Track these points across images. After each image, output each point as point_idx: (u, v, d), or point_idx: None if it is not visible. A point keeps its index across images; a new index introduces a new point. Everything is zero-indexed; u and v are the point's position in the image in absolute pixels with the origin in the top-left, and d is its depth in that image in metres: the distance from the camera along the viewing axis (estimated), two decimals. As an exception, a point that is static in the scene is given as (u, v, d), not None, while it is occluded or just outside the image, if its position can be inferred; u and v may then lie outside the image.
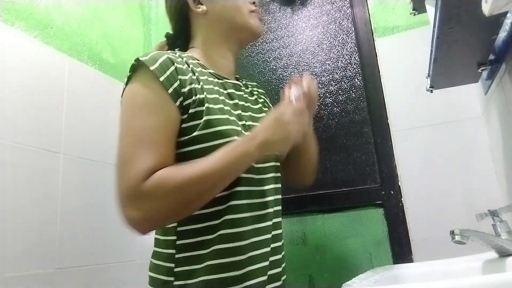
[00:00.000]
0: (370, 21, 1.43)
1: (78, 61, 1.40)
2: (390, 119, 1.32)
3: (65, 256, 1.19)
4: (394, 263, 1.22)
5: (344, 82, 1.46)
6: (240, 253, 0.72)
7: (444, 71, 0.93)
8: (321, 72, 1.51)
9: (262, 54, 1.67)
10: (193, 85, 0.74)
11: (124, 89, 0.75)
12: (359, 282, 0.63)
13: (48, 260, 1.14)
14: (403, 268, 0.84)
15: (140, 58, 0.72)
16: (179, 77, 0.73)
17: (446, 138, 1.22)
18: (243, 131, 0.79)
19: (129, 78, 0.74)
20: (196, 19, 0.88)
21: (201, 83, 0.76)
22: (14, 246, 1.05)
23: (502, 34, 0.76)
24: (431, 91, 1.03)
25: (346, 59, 1.48)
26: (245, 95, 0.90)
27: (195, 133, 0.71)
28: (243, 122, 0.82)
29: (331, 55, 1.51)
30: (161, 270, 0.73)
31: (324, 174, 1.39)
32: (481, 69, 0.91)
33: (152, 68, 0.70)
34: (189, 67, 0.77)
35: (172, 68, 0.72)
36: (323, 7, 1.58)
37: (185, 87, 0.72)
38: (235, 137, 0.74)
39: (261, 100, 0.98)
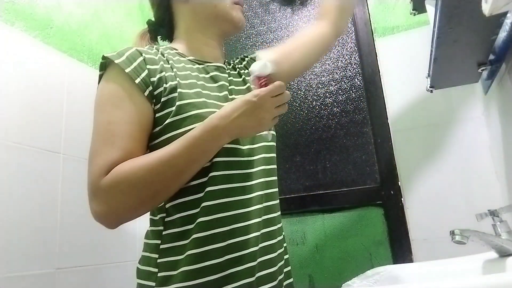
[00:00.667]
0: (370, 21, 1.43)
1: (78, 61, 1.40)
2: (390, 119, 1.32)
3: (65, 256, 1.19)
4: (394, 263, 1.22)
5: (344, 82, 1.46)
6: (220, 250, 0.67)
7: (444, 71, 0.93)
8: (321, 72, 1.51)
9: (262, 54, 1.67)
10: (163, 73, 0.73)
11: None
12: (359, 282, 0.63)
13: (48, 260, 1.14)
14: (403, 268, 0.84)
15: (106, 55, 0.72)
16: (148, 66, 0.72)
17: (446, 138, 1.22)
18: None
19: (100, 77, 0.74)
20: (177, 7, 0.87)
21: (174, 69, 0.75)
22: (14, 246, 1.05)
23: (502, 34, 0.76)
24: (431, 91, 1.03)
25: (346, 59, 1.48)
26: (230, 77, 0.86)
27: (167, 121, 0.70)
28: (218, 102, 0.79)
29: (331, 55, 1.51)
30: (148, 261, 0.72)
31: (324, 174, 1.40)
32: (481, 69, 0.91)
33: (117, 61, 0.70)
34: (163, 56, 0.77)
35: (140, 59, 0.72)
36: (323, 7, 1.57)
37: (154, 76, 0.71)
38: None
39: (245, 72, 0.93)
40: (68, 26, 1.39)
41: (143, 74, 0.70)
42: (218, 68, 0.85)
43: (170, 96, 0.71)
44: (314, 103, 1.50)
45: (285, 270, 0.79)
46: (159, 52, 0.77)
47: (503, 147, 0.98)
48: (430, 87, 1.01)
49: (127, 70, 0.69)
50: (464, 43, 0.78)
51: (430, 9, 0.90)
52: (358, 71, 1.44)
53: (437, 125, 1.24)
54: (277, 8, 1.68)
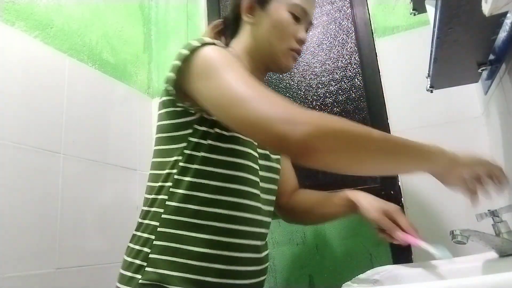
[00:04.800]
0: (370, 21, 1.43)
1: (78, 61, 1.40)
2: (390, 119, 1.32)
3: (65, 256, 1.19)
4: (394, 263, 1.22)
5: (344, 82, 1.46)
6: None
7: (444, 71, 0.93)
8: (321, 72, 1.51)
9: (262, 54, 1.67)
10: None
11: (179, 66, 0.70)
12: (359, 282, 0.63)
13: (48, 260, 1.14)
14: (403, 268, 0.84)
15: (203, 41, 0.71)
16: None
17: (446, 138, 1.22)
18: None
19: (189, 55, 0.69)
20: (244, 21, 0.87)
21: None
22: (14, 246, 1.05)
23: (502, 34, 0.76)
24: (431, 91, 1.03)
25: (346, 59, 1.48)
26: None
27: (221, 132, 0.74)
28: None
29: (331, 55, 1.51)
30: (137, 255, 0.73)
31: (324, 174, 1.39)
32: (481, 69, 0.91)
33: (216, 43, 0.72)
34: None
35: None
36: (323, 7, 1.58)
37: None
38: (242, 148, 0.76)
39: None
40: (68, 26, 1.39)
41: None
42: None
43: None
44: (314, 103, 1.50)
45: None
46: None
47: (503, 147, 0.98)
48: (430, 87, 1.01)
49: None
50: (464, 43, 0.78)
51: (430, 9, 0.89)
52: (358, 71, 1.44)
53: (437, 125, 1.24)
54: (277, 8, 1.68)
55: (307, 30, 0.87)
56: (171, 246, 0.69)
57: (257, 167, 0.80)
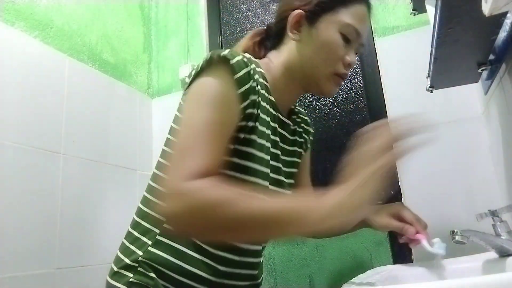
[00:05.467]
0: (370, 21, 1.43)
1: (78, 61, 1.40)
2: (390, 119, 1.32)
3: (65, 256, 1.19)
4: (394, 263, 1.22)
5: (344, 82, 1.46)
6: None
7: (444, 71, 0.93)
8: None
9: (262, 54, 1.67)
10: (257, 97, 0.68)
11: (191, 81, 0.69)
12: (359, 282, 0.63)
13: (48, 260, 1.14)
14: (403, 268, 0.84)
15: (220, 53, 0.66)
16: (251, 82, 0.67)
17: (446, 138, 1.22)
18: (270, 174, 0.73)
19: (201, 70, 0.68)
20: (288, 40, 0.79)
21: (258, 110, 0.70)
22: (14, 246, 1.05)
23: (502, 34, 0.76)
24: (431, 91, 1.03)
25: (346, 59, 1.48)
26: (286, 134, 0.84)
27: (233, 159, 0.68)
28: (276, 163, 0.77)
29: (331, 55, 1.51)
30: (138, 244, 0.73)
31: (324, 174, 1.39)
32: (481, 69, 0.91)
33: (232, 62, 0.65)
34: (257, 86, 0.69)
35: (246, 70, 0.66)
36: (323, 7, 1.57)
37: (253, 94, 0.67)
38: (259, 180, 0.69)
39: (300, 140, 0.91)
40: (68, 26, 1.39)
41: (246, 87, 0.66)
42: (283, 123, 0.82)
43: (246, 136, 0.69)
44: (314, 103, 1.50)
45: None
46: (256, 77, 0.70)
47: (503, 147, 0.98)
48: (430, 87, 1.01)
49: (235, 77, 0.65)
50: (464, 43, 0.78)
51: (430, 9, 0.89)
52: (358, 71, 1.44)
53: (437, 125, 1.24)
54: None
55: (357, 52, 0.79)
56: (167, 258, 0.69)
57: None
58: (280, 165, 0.79)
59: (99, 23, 1.55)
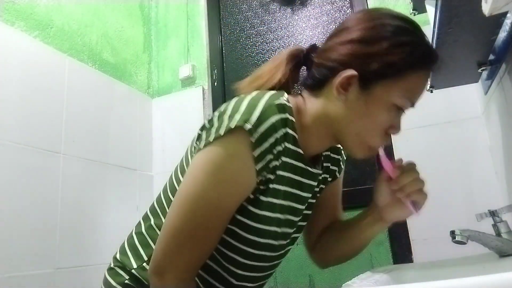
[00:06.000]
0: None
1: (78, 61, 1.40)
2: (390, 119, 1.32)
3: (65, 256, 1.19)
4: (394, 263, 1.22)
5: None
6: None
7: (444, 71, 0.93)
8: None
9: (262, 54, 1.67)
10: (268, 175, 0.63)
11: (205, 142, 0.60)
12: (359, 282, 0.63)
13: (48, 260, 1.14)
14: (403, 268, 0.84)
15: (245, 126, 0.57)
16: (273, 150, 0.61)
17: (446, 138, 1.22)
18: (281, 230, 0.70)
19: (218, 135, 0.59)
20: (330, 92, 0.66)
21: (277, 171, 0.64)
22: (14, 246, 1.05)
23: (502, 34, 0.76)
24: (431, 91, 1.03)
25: (346, 59, 1.48)
26: (312, 183, 0.76)
27: (240, 218, 0.65)
28: (291, 217, 0.72)
29: (331, 55, 1.51)
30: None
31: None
32: (481, 69, 0.91)
33: (252, 139, 0.58)
34: (283, 145, 0.63)
35: (272, 139, 0.60)
36: (323, 7, 1.58)
37: (274, 161, 0.62)
38: (268, 241, 0.68)
39: (328, 166, 0.83)
40: (68, 26, 1.39)
41: (266, 160, 0.60)
42: (312, 175, 0.74)
43: (263, 187, 0.64)
44: (314, 103, 1.50)
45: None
46: (287, 125, 0.63)
47: (503, 147, 0.98)
48: (430, 87, 1.01)
49: (255, 154, 0.58)
50: (464, 43, 0.78)
51: (430, 9, 0.89)
52: (358, 71, 1.44)
53: (437, 125, 1.24)
54: (277, 8, 1.68)
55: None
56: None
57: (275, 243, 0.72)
58: (297, 218, 0.74)
59: (99, 23, 1.55)
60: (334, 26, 1.53)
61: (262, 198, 0.63)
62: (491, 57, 0.87)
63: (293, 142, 0.66)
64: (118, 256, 0.75)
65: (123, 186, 1.50)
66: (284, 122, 0.61)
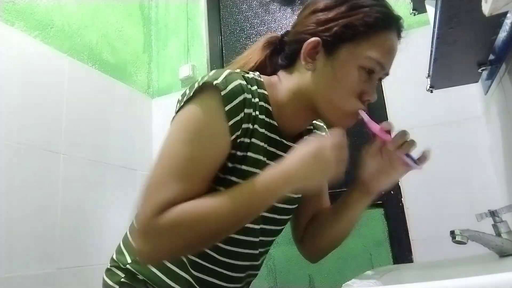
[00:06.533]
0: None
1: (78, 61, 1.40)
2: (390, 119, 1.32)
3: (65, 256, 1.19)
4: (394, 263, 1.22)
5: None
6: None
7: (444, 71, 0.93)
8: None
9: (262, 54, 1.67)
10: (249, 125, 0.64)
11: (179, 107, 0.65)
12: (359, 282, 0.63)
13: (48, 260, 1.14)
14: (403, 268, 0.84)
15: (210, 80, 0.62)
16: (245, 110, 0.63)
17: (446, 138, 1.22)
18: None
19: (192, 95, 0.63)
20: (301, 66, 0.69)
21: (252, 138, 0.66)
22: (14, 246, 1.05)
23: (502, 34, 0.76)
24: (431, 91, 1.03)
25: (346, 59, 1.48)
26: None
27: (220, 188, 0.65)
28: None
29: (331, 55, 1.51)
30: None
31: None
32: (481, 69, 0.91)
33: (223, 93, 0.61)
34: (254, 111, 0.65)
35: (241, 97, 0.62)
36: (323, 7, 1.57)
37: (246, 123, 0.64)
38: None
39: None
40: (68, 26, 1.39)
41: (238, 117, 0.62)
42: (289, 148, 0.74)
43: (236, 165, 0.65)
44: (314, 103, 1.50)
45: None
46: (256, 95, 0.67)
47: (503, 147, 0.98)
48: (430, 87, 1.01)
49: (226, 108, 0.61)
50: (464, 43, 0.78)
51: (430, 9, 0.89)
52: (358, 71, 1.44)
53: (437, 125, 1.24)
54: (277, 8, 1.68)
55: (380, 80, 0.72)
56: (151, 270, 0.70)
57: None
58: None
59: (99, 23, 1.55)
60: (334, 26, 1.53)
61: (240, 166, 0.65)
62: (491, 57, 0.87)
63: (266, 113, 0.68)
64: (114, 256, 0.77)
65: (123, 186, 1.50)
66: (247, 89, 0.64)
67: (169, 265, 0.70)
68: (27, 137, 1.15)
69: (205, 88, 0.62)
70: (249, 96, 0.64)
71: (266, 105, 0.69)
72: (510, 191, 0.98)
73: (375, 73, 0.67)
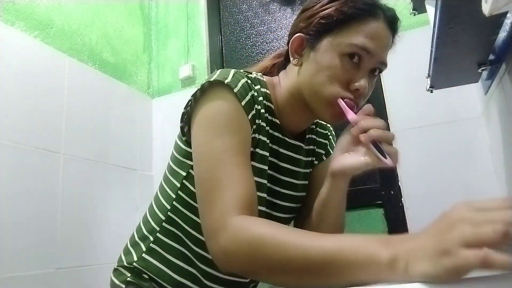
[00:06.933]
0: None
1: (78, 61, 1.40)
2: (390, 119, 1.32)
3: (65, 256, 1.19)
4: (394, 263, 1.22)
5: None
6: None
7: (444, 71, 0.93)
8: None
9: (262, 54, 1.67)
10: (254, 134, 0.66)
11: (188, 107, 0.67)
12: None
13: (48, 260, 1.14)
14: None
15: (220, 79, 0.63)
16: (255, 106, 0.65)
17: (446, 138, 1.22)
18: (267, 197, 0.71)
19: (204, 93, 0.64)
20: (291, 64, 0.72)
21: (260, 135, 0.67)
22: (14, 246, 1.05)
23: (502, 34, 0.76)
24: (431, 91, 1.03)
25: (346, 59, 1.48)
26: (293, 155, 0.77)
27: None
28: (274, 186, 0.74)
29: (331, 55, 1.51)
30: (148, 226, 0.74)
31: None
32: (481, 69, 0.91)
33: (235, 90, 0.62)
34: (261, 109, 0.67)
35: (250, 93, 0.64)
36: (323, 7, 1.58)
37: (257, 119, 0.66)
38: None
39: (314, 149, 0.83)
40: (68, 26, 1.39)
41: (253, 112, 0.64)
42: (293, 147, 0.76)
43: (252, 149, 0.65)
44: (314, 103, 1.50)
45: None
46: (260, 94, 0.68)
47: (503, 147, 0.98)
48: (430, 87, 1.01)
49: (243, 103, 0.62)
50: (464, 43, 0.78)
51: (430, 9, 0.89)
52: (358, 71, 1.44)
53: (437, 125, 1.24)
54: (277, 8, 1.68)
55: (376, 72, 0.70)
56: (157, 266, 0.71)
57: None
58: (278, 188, 0.75)
59: (99, 23, 1.55)
60: (334, 26, 1.53)
61: (252, 163, 0.64)
62: (491, 57, 0.87)
63: (269, 111, 0.70)
64: (121, 256, 0.77)
65: (123, 186, 1.50)
66: (253, 87, 0.65)
67: (174, 260, 0.70)
68: (27, 137, 1.15)
69: (216, 86, 0.63)
70: (255, 94, 0.66)
71: (269, 104, 0.71)
72: (510, 191, 0.98)
73: (362, 61, 0.65)
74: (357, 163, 0.66)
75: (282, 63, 0.79)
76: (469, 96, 1.20)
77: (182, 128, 0.70)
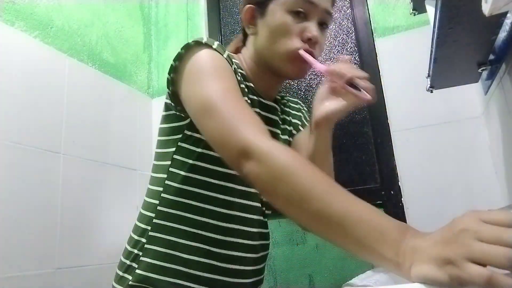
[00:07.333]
0: (370, 21, 1.43)
1: (78, 61, 1.41)
2: (390, 119, 1.32)
3: (65, 256, 1.19)
4: (394, 263, 1.22)
5: (344, 82, 1.46)
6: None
7: (444, 71, 0.93)
8: (321, 72, 1.51)
9: (262, 54, 1.67)
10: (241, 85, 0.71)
11: (174, 65, 0.68)
12: (359, 282, 0.63)
13: (48, 260, 1.14)
14: (403, 268, 0.84)
15: (202, 41, 0.68)
16: (233, 66, 0.70)
17: (446, 138, 1.22)
18: None
19: (190, 48, 0.67)
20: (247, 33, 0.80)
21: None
22: (14, 246, 1.05)
23: (502, 34, 0.76)
24: (431, 91, 1.03)
25: (346, 59, 1.48)
26: (273, 117, 0.82)
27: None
28: None
29: (331, 55, 1.51)
30: (139, 232, 0.74)
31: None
32: (481, 69, 0.91)
33: (214, 46, 0.68)
34: (236, 71, 0.72)
35: (226, 53, 0.70)
36: (323, 7, 1.57)
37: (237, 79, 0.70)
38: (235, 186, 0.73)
39: (289, 129, 0.88)
40: (68, 26, 1.39)
41: (234, 66, 0.70)
42: (266, 106, 0.81)
43: None
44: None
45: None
46: (233, 63, 0.72)
47: (503, 147, 0.98)
48: (430, 87, 1.01)
49: (224, 55, 0.68)
50: (464, 43, 0.78)
51: (430, 9, 0.90)
52: (358, 71, 1.44)
53: (437, 125, 1.24)
54: (277, 8, 1.68)
55: (324, 24, 0.73)
56: (161, 251, 0.70)
57: None
58: None
59: (99, 23, 1.55)
60: (334, 26, 1.53)
61: None
62: (491, 57, 0.87)
63: (242, 77, 0.75)
64: (121, 260, 0.76)
65: (123, 186, 1.50)
66: (226, 51, 0.70)
67: (177, 253, 0.69)
68: (27, 137, 1.15)
69: (196, 45, 0.67)
70: (229, 58, 0.70)
71: (241, 70, 0.76)
72: (510, 191, 0.98)
73: (309, 14, 0.71)
74: (338, 106, 0.68)
75: (243, 43, 0.84)
76: (469, 96, 1.20)
77: (167, 104, 0.75)
